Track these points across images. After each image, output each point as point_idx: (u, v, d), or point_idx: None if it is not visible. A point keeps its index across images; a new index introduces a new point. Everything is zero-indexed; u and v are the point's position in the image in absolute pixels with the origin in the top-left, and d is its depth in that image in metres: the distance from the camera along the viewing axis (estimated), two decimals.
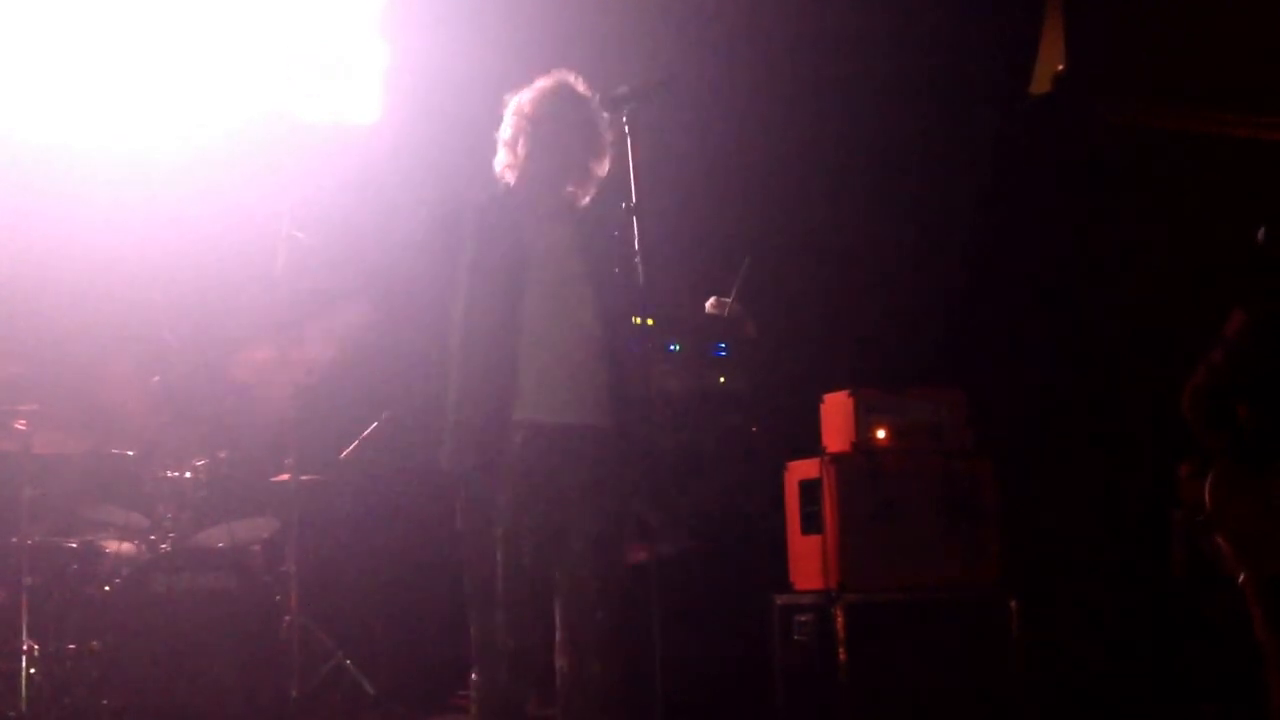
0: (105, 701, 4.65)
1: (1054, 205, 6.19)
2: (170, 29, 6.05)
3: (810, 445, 5.08)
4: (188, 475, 5.09)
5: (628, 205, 3.12)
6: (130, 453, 5.24)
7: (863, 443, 4.94)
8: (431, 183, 6.16)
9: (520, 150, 3.25)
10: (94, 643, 4.72)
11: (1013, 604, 4.92)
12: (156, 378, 5.47)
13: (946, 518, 4.93)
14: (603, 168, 3.28)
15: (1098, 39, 6.17)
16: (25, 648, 4.64)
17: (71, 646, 4.76)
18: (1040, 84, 6.19)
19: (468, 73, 6.10)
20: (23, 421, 4.87)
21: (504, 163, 3.31)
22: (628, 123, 3.16)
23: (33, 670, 4.63)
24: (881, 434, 4.99)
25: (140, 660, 4.67)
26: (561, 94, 3.28)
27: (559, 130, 3.25)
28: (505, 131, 3.29)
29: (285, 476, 5.18)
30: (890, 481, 4.91)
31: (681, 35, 6.02)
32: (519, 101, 3.28)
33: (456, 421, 3.17)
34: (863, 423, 4.96)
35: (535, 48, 6.33)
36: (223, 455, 5.16)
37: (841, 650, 4.75)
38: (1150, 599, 5.60)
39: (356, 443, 5.52)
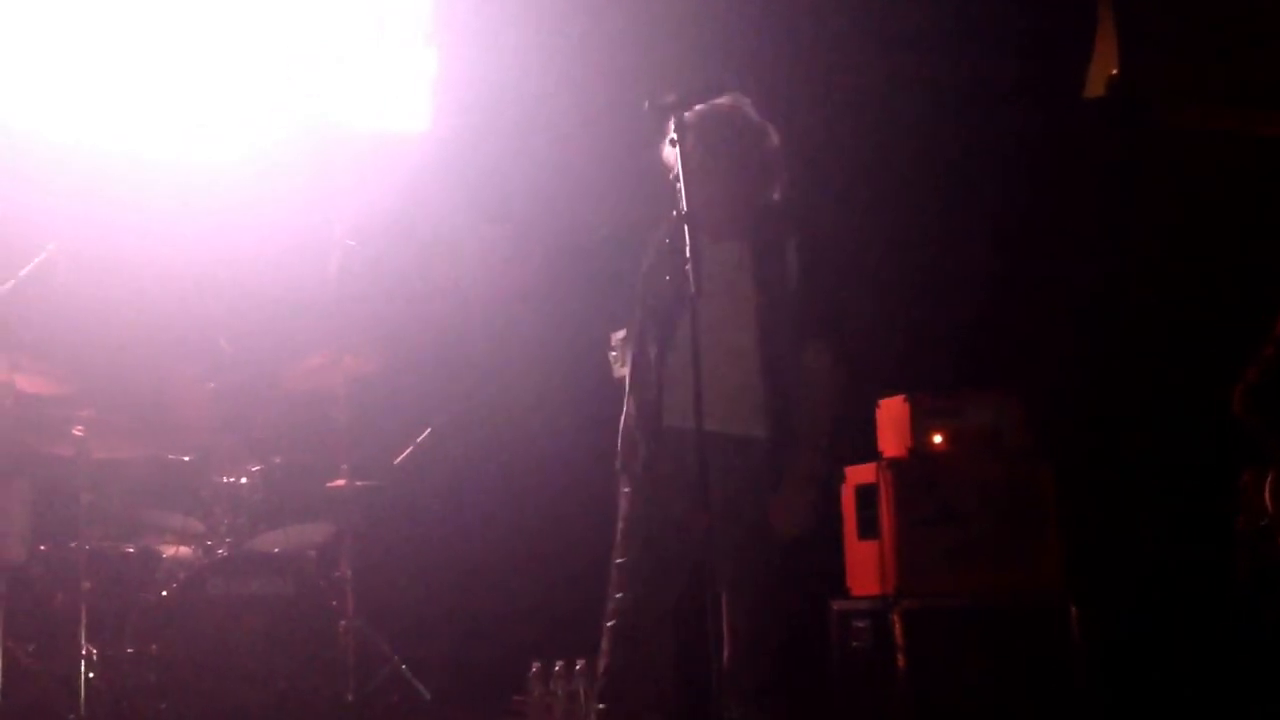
0: (163, 705, 4.69)
1: (1110, 208, 6.10)
2: (222, 37, 6.11)
3: (866, 450, 5.04)
4: (244, 481, 5.12)
5: (678, 213, 3.09)
6: (187, 458, 5.28)
7: (919, 448, 4.91)
8: (481, 191, 6.19)
9: (690, 171, 3.20)
10: (152, 647, 4.75)
11: (1074, 610, 4.85)
12: (212, 384, 5.53)
13: (1006, 523, 4.88)
14: (774, 188, 3.37)
15: (1152, 42, 6.08)
16: (84, 652, 4.68)
17: (129, 651, 4.80)
18: (1094, 87, 6.11)
19: (516, 82, 6.12)
20: (80, 428, 4.92)
21: (675, 183, 3.25)
22: (677, 130, 3.11)
23: (91, 674, 4.66)
24: (938, 439, 4.95)
25: (197, 664, 4.69)
26: (733, 117, 3.33)
27: (729, 153, 3.31)
28: (673, 152, 3.22)
29: (340, 482, 5.20)
30: (948, 486, 4.88)
31: (730, 41, 5.99)
32: (689, 121, 3.22)
33: (623, 425, 3.33)
34: (919, 428, 4.93)
35: (582, 56, 6.34)
36: (278, 461, 5.18)
37: (900, 656, 4.72)
38: (1213, 605, 5.50)
39: (410, 449, 5.53)
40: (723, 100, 3.35)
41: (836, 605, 5.04)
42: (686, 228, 3.05)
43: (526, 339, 6.18)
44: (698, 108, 3.27)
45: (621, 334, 5.26)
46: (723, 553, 3.13)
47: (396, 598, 5.56)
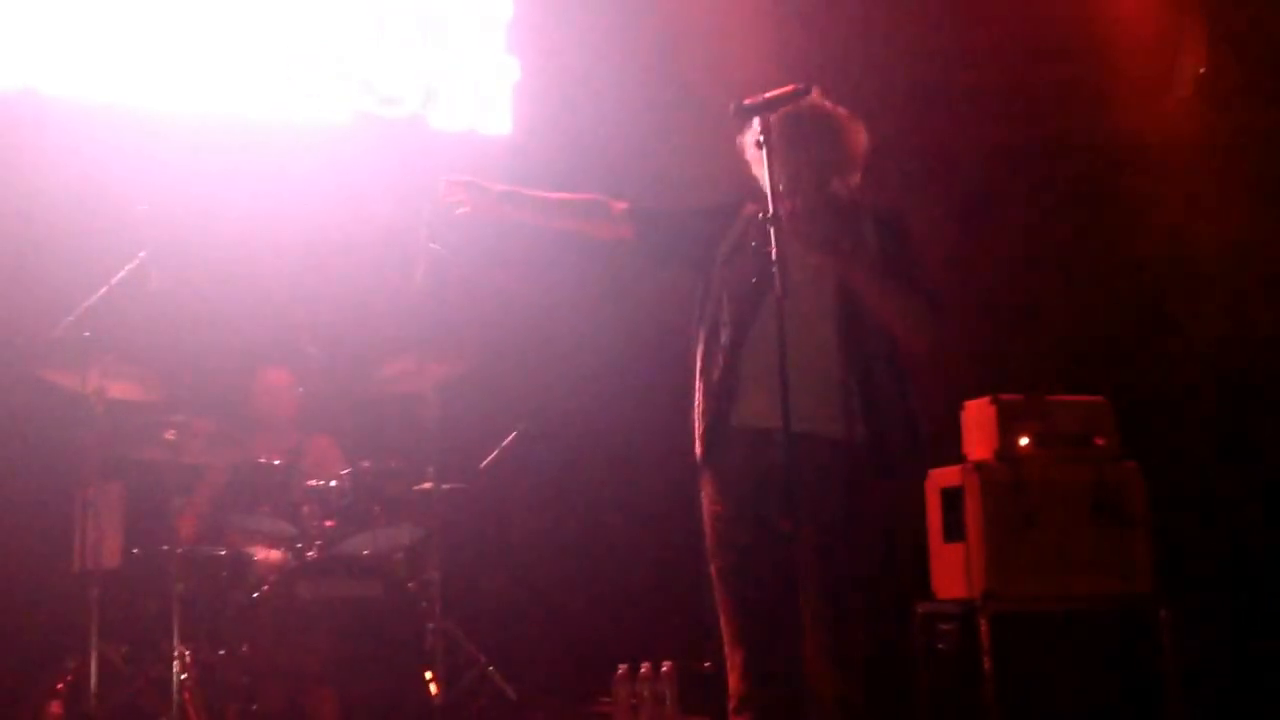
0: (254, 706, 4.75)
1: (1193, 208, 6.01)
2: (308, 42, 6.21)
3: (950, 453, 5.00)
4: (333, 484, 5.17)
5: (764, 216, 3.06)
6: (276, 462, 5.35)
7: (1005, 450, 4.86)
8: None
9: (770, 167, 3.16)
10: (243, 648, 4.82)
11: (1164, 614, 4.78)
12: (301, 389, 5.60)
13: (1094, 525, 4.82)
14: (853, 180, 3.30)
15: (1239, 41, 5.98)
16: (176, 653, 4.75)
17: (221, 652, 4.87)
18: (1181, 87, 6.01)
19: (595, 86, 6.14)
20: (171, 432, 5.01)
21: (757, 179, 3.23)
22: (762, 133, 3.08)
23: (184, 676, 4.73)
24: (1025, 441, 4.90)
25: (287, 666, 4.76)
26: (813, 111, 3.27)
27: (808, 147, 3.25)
28: (759, 154, 3.19)
29: (427, 485, 5.24)
30: (1035, 489, 4.83)
31: (812, 44, 5.97)
32: (771, 118, 3.16)
33: (698, 423, 3.27)
34: (1005, 430, 4.88)
35: (662, 61, 6.36)
36: (366, 464, 5.23)
37: (986, 660, 4.67)
38: None
39: (496, 452, 5.57)
40: (800, 91, 3.24)
41: (921, 608, 5.00)
42: (773, 231, 3.02)
43: (613, 340, 6.21)
44: (771, 93, 3.20)
45: None
46: (809, 557, 3.09)
47: (483, 600, 5.60)
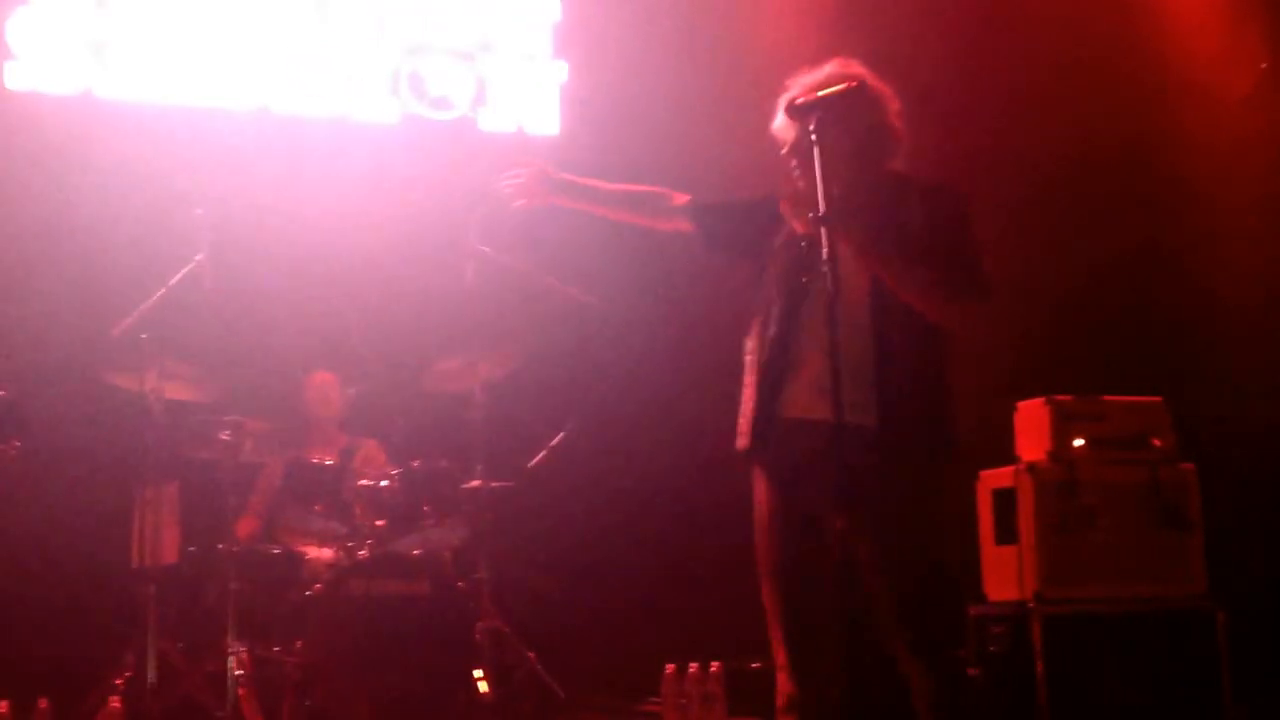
0: (307, 703, 4.81)
1: (1256, 206, 5.93)
2: (360, 44, 6.27)
3: (1001, 454, 4.96)
4: (383, 484, 5.22)
5: (814, 215, 3.03)
6: (329, 462, 5.41)
7: (1059, 451, 4.81)
8: None
9: (807, 152, 3.10)
10: (296, 645, 4.88)
11: (1220, 617, 4.72)
12: (352, 390, 5.66)
13: (1149, 527, 4.76)
14: (885, 155, 3.22)
15: None
16: (232, 649, 4.82)
17: (275, 649, 4.94)
18: (1243, 84, 5.93)
19: (643, 88, 6.15)
20: (226, 433, 5.08)
21: (794, 164, 3.20)
22: (814, 131, 3.03)
23: (239, 672, 4.80)
24: (1079, 442, 4.85)
25: (340, 663, 4.80)
26: (860, 93, 3.15)
27: (846, 130, 3.14)
28: (789, 130, 3.16)
29: (476, 484, 5.27)
30: (1089, 490, 4.78)
31: (859, 45, 5.94)
32: (803, 98, 3.10)
33: (743, 405, 3.24)
34: (1059, 431, 4.83)
35: (711, 61, 6.36)
36: (415, 464, 5.28)
37: (1039, 663, 4.63)
38: None
39: (544, 452, 5.59)
40: (828, 68, 3.19)
41: (973, 610, 4.96)
42: (825, 230, 3.00)
43: (660, 341, 6.21)
44: (800, 78, 3.18)
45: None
46: (862, 550, 3.06)
47: (532, 599, 5.62)
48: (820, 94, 3.05)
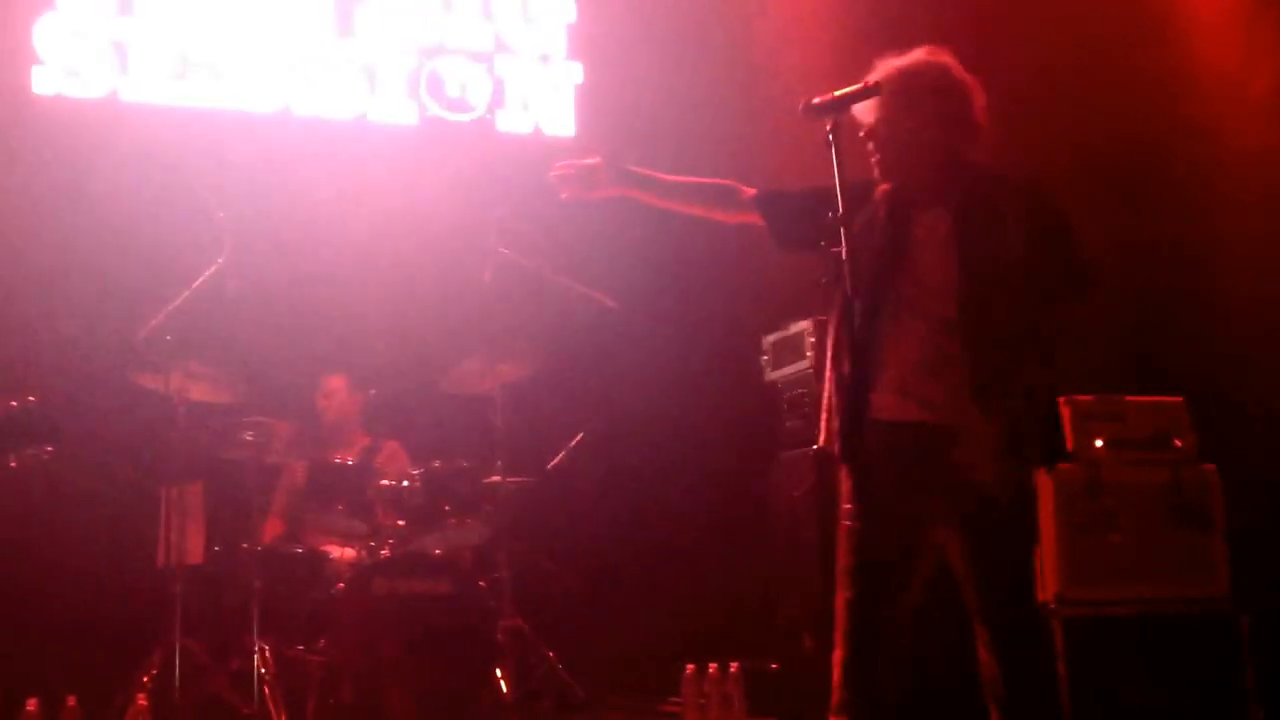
0: (331, 701, 4.86)
1: (1274, 203, 5.90)
2: (379, 46, 6.31)
3: None
4: (404, 484, 5.25)
5: (834, 215, 3.01)
6: (350, 462, 5.45)
7: (1080, 452, 4.80)
8: (625, 199, 6.25)
9: (884, 135, 3.08)
10: (319, 643, 4.92)
11: (1244, 619, 4.70)
12: (373, 390, 5.70)
13: (1171, 528, 4.74)
14: (971, 148, 3.14)
15: None
16: (257, 648, 4.87)
17: (299, 647, 4.98)
18: (1260, 80, 5.90)
19: (659, 89, 6.17)
20: (250, 433, 5.12)
21: (871, 150, 3.13)
22: (832, 132, 2.96)
23: (263, 670, 4.84)
24: (1099, 443, 4.83)
25: (363, 662, 4.84)
26: (920, 72, 3.11)
27: (928, 110, 3.10)
28: (868, 113, 3.09)
29: (495, 478, 5.30)
30: (1109, 491, 4.75)
31: (877, 42, 5.93)
32: (882, 84, 3.05)
33: (827, 417, 3.16)
34: (1079, 431, 4.81)
35: (725, 63, 6.36)
36: (437, 464, 5.31)
37: (1060, 665, 4.62)
38: None
39: (563, 453, 5.62)
40: (919, 54, 3.15)
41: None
42: (843, 233, 2.98)
43: (679, 342, 6.23)
44: (895, 63, 3.11)
45: (773, 338, 5.28)
46: (956, 551, 3.04)
47: (552, 599, 5.64)
48: (836, 94, 3.01)
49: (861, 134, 3.16)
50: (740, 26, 6.26)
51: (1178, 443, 4.85)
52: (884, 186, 3.16)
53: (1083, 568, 4.69)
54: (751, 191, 3.34)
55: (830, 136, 2.94)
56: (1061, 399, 4.88)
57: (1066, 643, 4.60)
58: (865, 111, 3.12)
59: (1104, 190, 6.10)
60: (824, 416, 3.19)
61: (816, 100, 2.99)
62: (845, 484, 3.14)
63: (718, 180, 3.43)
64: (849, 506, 3.13)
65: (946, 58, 3.17)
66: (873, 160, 3.16)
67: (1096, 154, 5.97)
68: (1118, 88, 6.07)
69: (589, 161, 3.46)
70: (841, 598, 3.11)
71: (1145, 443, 4.84)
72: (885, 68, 3.13)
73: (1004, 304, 3.03)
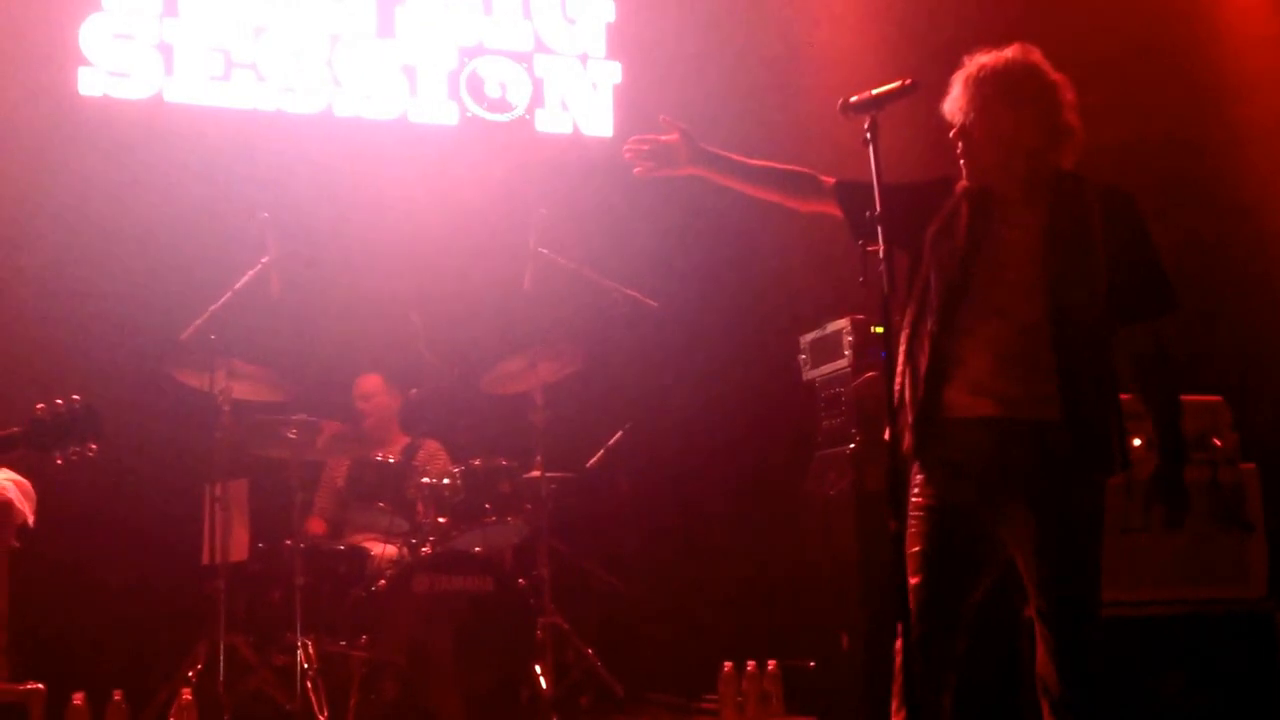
0: (371, 696, 4.91)
1: None
2: (420, 47, 6.36)
3: None
4: (445, 482, 5.30)
5: (871, 214, 3.01)
6: (392, 460, 5.50)
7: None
8: (663, 198, 6.27)
9: (979, 136, 3.06)
10: (361, 639, 4.97)
11: None
12: (414, 390, 5.75)
13: (1209, 528, 4.72)
14: (1060, 149, 3.11)
15: None
16: (300, 644, 4.92)
17: (342, 643, 5.03)
18: None
19: (697, 88, 6.18)
20: (293, 431, 5.18)
21: (960, 147, 3.11)
22: (870, 130, 2.97)
23: (306, 665, 4.89)
24: (1137, 442, 4.80)
25: (404, 658, 4.89)
26: (1013, 70, 3.08)
27: (1007, 110, 3.07)
28: (955, 114, 3.07)
29: (535, 473, 5.34)
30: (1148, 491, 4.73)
31: (917, 42, 5.94)
32: (968, 80, 3.05)
33: (899, 411, 3.12)
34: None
35: (763, 62, 6.36)
36: (477, 463, 5.36)
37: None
38: None
39: (602, 452, 5.65)
40: (1013, 53, 3.11)
41: (1027, 612, 4.94)
42: (879, 230, 2.97)
43: (717, 341, 6.24)
44: (986, 61, 3.08)
45: (811, 336, 5.29)
46: (1030, 549, 3.03)
47: (591, 597, 5.68)
48: (874, 92, 3.00)
49: (951, 134, 3.13)
50: (779, 25, 6.27)
51: (1217, 442, 4.82)
52: (964, 184, 3.13)
53: (1119, 568, 4.66)
54: (831, 180, 3.30)
55: (868, 135, 2.96)
56: None
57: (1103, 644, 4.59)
58: (956, 111, 3.11)
59: (1146, 187, 6.05)
60: (897, 411, 3.14)
61: (854, 99, 3.01)
62: (917, 476, 3.15)
63: (797, 167, 3.39)
64: (921, 500, 3.13)
65: (1038, 56, 3.14)
66: (961, 159, 3.13)
67: (1140, 151, 5.94)
68: (1164, 86, 6.04)
69: (667, 137, 3.40)
70: (911, 583, 3.09)
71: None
72: (977, 66, 3.11)
73: (1089, 308, 3.03)
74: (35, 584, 4.60)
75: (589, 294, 5.60)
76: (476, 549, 5.26)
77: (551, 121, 6.46)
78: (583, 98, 6.53)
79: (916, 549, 3.11)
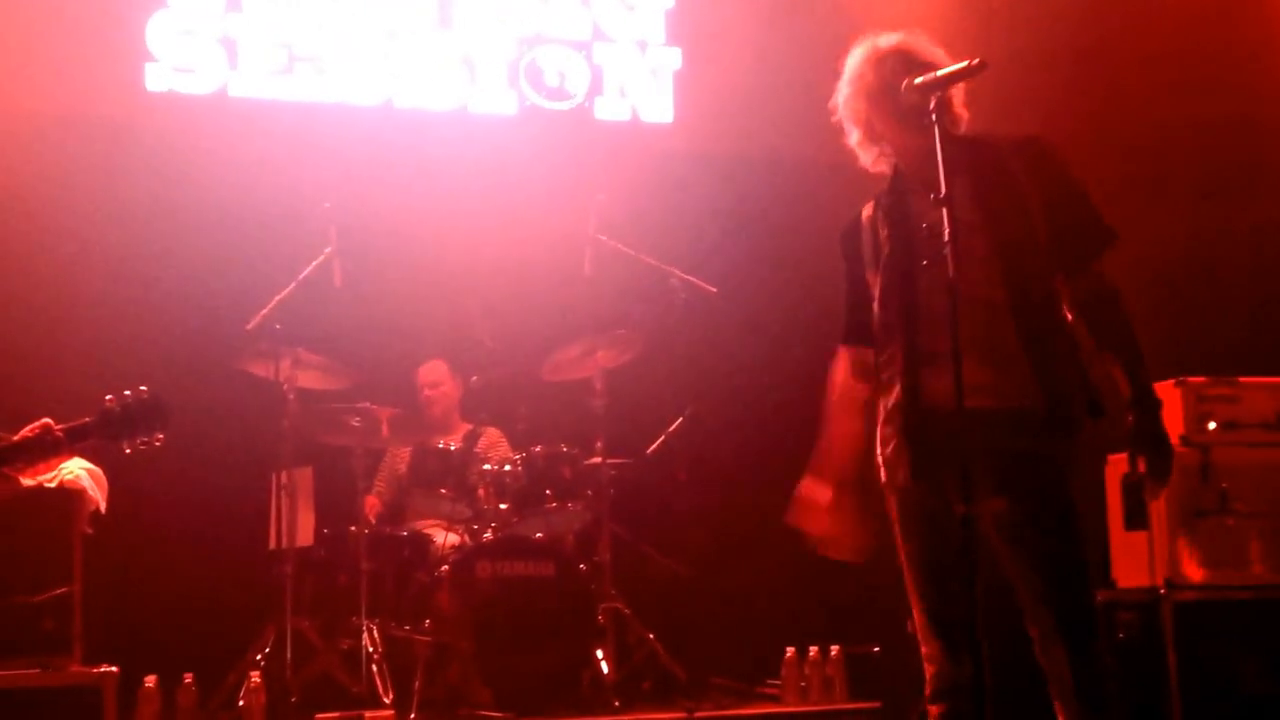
0: (437, 680, 4.95)
1: None
2: (479, 37, 6.38)
3: None
4: (506, 468, 5.32)
5: (936, 197, 2.96)
6: (454, 446, 5.53)
7: (1192, 434, 4.70)
8: (722, 184, 6.25)
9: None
10: (425, 623, 5.00)
11: None
12: (475, 377, 5.78)
13: None
14: (959, 114, 3.05)
15: None
16: (365, 628, 4.98)
17: (406, 628, 5.08)
18: None
19: (756, 74, 6.15)
20: (357, 419, 5.23)
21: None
22: (934, 110, 2.91)
23: (371, 649, 4.96)
24: (1212, 425, 4.72)
25: (467, 642, 4.92)
26: (972, 70, 2.96)
27: (871, 93, 3.09)
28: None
29: (597, 460, 5.35)
30: (1223, 474, 4.65)
31: (977, 24, 5.87)
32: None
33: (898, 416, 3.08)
34: (1192, 414, 4.71)
35: (823, 46, 6.29)
36: (538, 449, 5.38)
37: (1170, 651, 4.53)
38: None
39: (663, 437, 5.64)
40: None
41: (1101, 596, 4.88)
42: (946, 212, 2.93)
43: (777, 326, 6.21)
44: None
45: None
46: (1011, 537, 2.96)
47: (652, 582, 5.67)
48: (939, 73, 2.96)
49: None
50: (838, 9, 6.21)
51: None
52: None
53: (1194, 551, 4.59)
54: (846, 360, 3.29)
55: (933, 116, 2.90)
56: (1173, 380, 4.79)
57: (1177, 628, 4.51)
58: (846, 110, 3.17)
59: (1218, 170, 5.96)
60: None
61: (919, 79, 2.95)
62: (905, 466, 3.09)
63: (841, 397, 3.33)
64: (906, 494, 3.10)
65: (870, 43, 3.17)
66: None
67: (1209, 133, 5.84)
68: (1234, 66, 5.92)
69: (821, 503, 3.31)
70: (909, 585, 3.12)
71: (1260, 424, 4.72)
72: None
73: (1038, 276, 2.98)
74: (108, 570, 4.67)
75: (648, 280, 5.59)
76: (538, 535, 5.28)
77: (610, 109, 6.46)
78: (642, 84, 6.52)
79: (908, 549, 3.12)
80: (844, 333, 3.33)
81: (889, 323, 3.11)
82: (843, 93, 3.24)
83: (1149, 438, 2.94)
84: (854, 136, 3.21)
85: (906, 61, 3.06)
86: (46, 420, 3.01)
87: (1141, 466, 2.96)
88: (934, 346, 2.98)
